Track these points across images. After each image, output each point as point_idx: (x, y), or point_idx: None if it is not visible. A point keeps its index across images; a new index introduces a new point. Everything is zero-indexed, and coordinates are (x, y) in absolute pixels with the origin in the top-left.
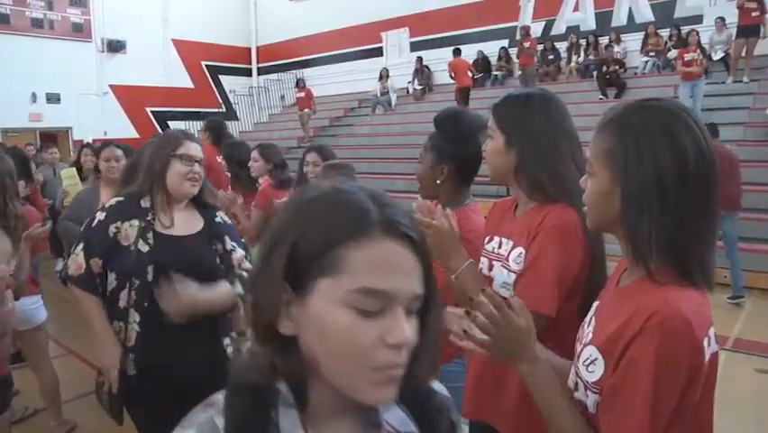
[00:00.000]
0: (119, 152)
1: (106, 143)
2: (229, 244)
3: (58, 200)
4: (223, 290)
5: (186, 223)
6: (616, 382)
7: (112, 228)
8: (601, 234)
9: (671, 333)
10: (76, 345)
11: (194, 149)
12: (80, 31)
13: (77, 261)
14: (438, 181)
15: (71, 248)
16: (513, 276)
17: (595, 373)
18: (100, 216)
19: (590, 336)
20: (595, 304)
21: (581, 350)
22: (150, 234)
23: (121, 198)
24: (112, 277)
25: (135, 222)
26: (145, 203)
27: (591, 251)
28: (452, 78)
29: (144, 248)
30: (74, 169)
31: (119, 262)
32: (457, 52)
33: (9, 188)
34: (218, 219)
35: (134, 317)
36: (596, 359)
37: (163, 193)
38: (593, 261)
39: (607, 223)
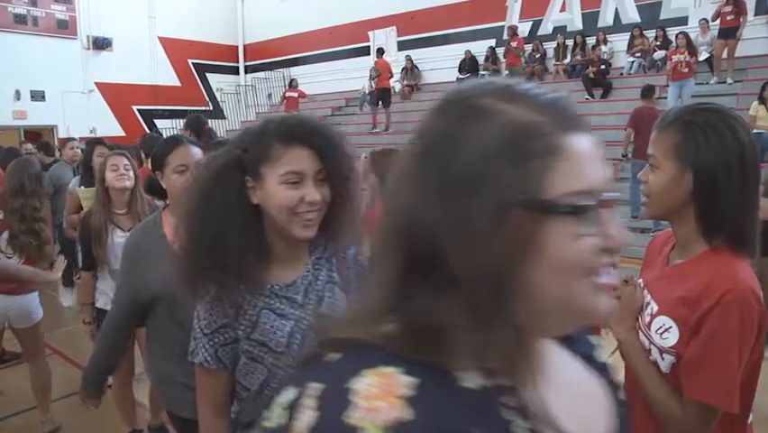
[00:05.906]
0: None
1: (175, 137)
2: None
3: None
4: None
5: None
6: (702, 351)
7: None
8: None
9: (747, 306)
10: (59, 345)
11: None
12: (65, 28)
13: None
14: None
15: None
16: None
17: (670, 339)
18: None
19: (656, 307)
20: (639, 281)
21: (650, 321)
22: None
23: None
24: None
25: None
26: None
27: None
28: (373, 78)
29: None
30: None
31: None
32: (380, 53)
33: (40, 194)
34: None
35: None
36: (670, 327)
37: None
38: None
39: (670, 210)
